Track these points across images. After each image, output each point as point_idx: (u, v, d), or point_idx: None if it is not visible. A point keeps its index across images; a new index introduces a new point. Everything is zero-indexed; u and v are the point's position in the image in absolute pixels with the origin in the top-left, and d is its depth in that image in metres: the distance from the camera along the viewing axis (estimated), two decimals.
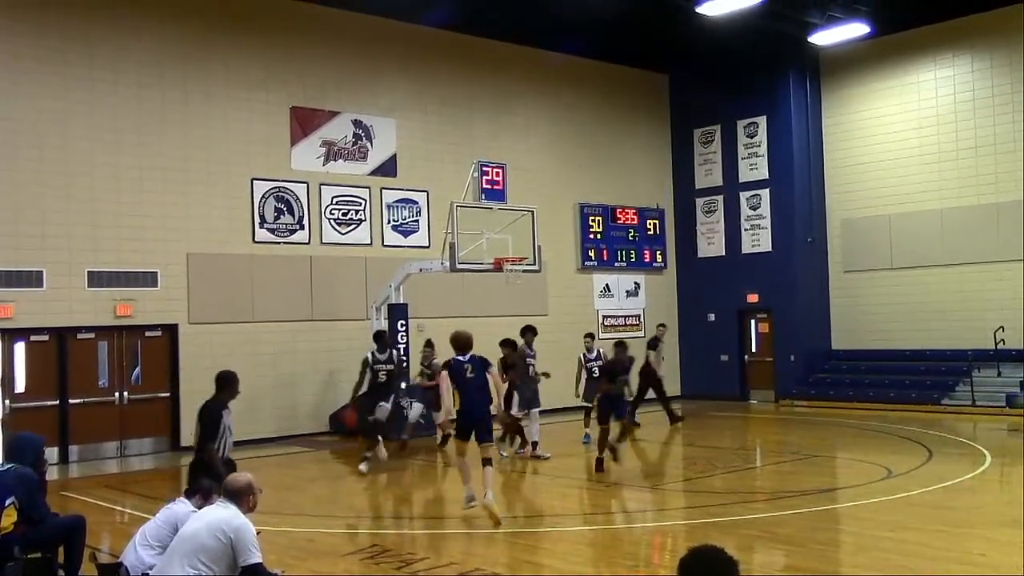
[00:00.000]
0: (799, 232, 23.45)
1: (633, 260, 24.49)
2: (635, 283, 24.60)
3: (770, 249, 23.75)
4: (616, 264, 24.12)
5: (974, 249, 21.13)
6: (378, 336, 15.09)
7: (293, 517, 10.54)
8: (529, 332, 15.61)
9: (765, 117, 23.81)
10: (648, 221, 24.85)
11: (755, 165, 24.11)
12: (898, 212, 22.34)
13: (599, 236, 23.74)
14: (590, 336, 17.77)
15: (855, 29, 20.49)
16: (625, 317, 24.23)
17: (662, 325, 20.47)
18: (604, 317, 23.74)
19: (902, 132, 22.40)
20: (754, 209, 24.10)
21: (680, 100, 25.27)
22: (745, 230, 24.26)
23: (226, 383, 9.05)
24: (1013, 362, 20.14)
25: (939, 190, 21.75)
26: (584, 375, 16.62)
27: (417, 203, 20.46)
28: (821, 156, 23.82)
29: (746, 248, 24.23)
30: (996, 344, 20.17)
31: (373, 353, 14.52)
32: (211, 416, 8.81)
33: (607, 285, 24.00)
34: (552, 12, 18.57)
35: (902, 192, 22.32)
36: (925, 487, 11.26)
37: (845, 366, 22.74)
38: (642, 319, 24.57)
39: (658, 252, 25.05)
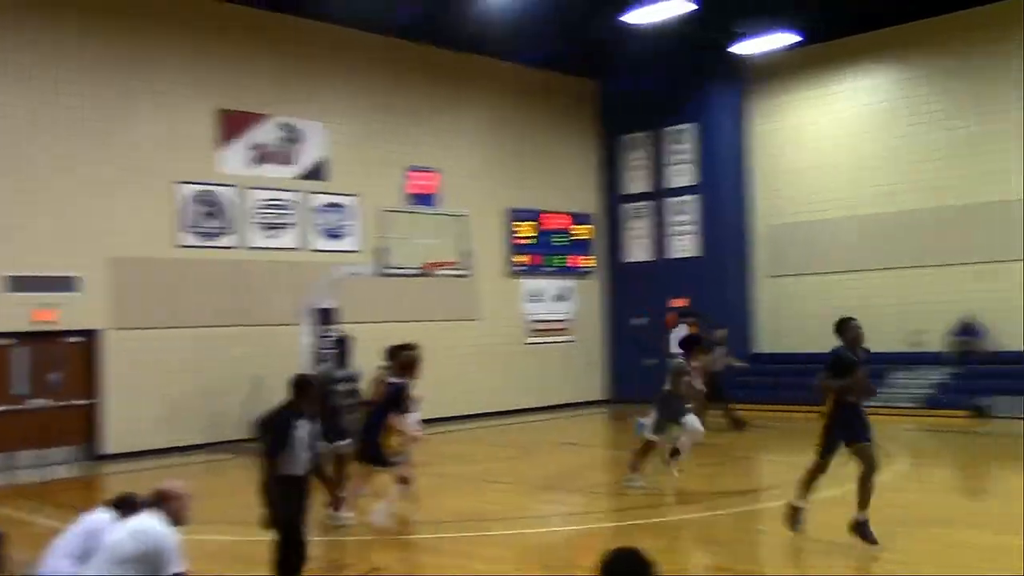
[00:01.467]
0: (726, 238, 23.85)
1: (562, 265, 24.64)
2: (564, 288, 24.76)
3: (697, 254, 24.11)
4: (545, 269, 24.25)
5: (894, 254, 21.70)
6: (338, 344, 12.28)
7: (220, 524, 10.39)
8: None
9: (693, 124, 24.17)
10: (577, 226, 25.03)
11: (683, 172, 24.46)
12: (822, 218, 22.84)
13: (529, 241, 23.85)
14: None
15: (781, 39, 20.93)
16: (555, 322, 24.37)
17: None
18: (534, 322, 23.85)
19: (826, 140, 22.91)
20: (681, 215, 24.45)
21: (610, 107, 25.51)
22: (673, 236, 24.60)
23: (300, 390, 7.65)
24: (930, 364, 20.74)
25: (861, 197, 22.29)
26: None
27: (347, 207, 20.33)
28: (748, 163, 24.25)
29: (674, 253, 24.56)
30: (911, 347, 20.76)
31: (328, 367, 11.93)
32: (278, 426, 7.47)
33: (536, 290, 24.11)
34: (484, 18, 18.61)
35: (826, 199, 22.83)
36: (847, 486, 11.52)
37: (770, 369, 23.14)
38: (571, 324, 24.73)
39: (587, 257, 25.24)
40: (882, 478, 12.42)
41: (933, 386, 20.37)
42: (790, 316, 23.30)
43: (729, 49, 21.90)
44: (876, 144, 22.15)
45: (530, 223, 23.90)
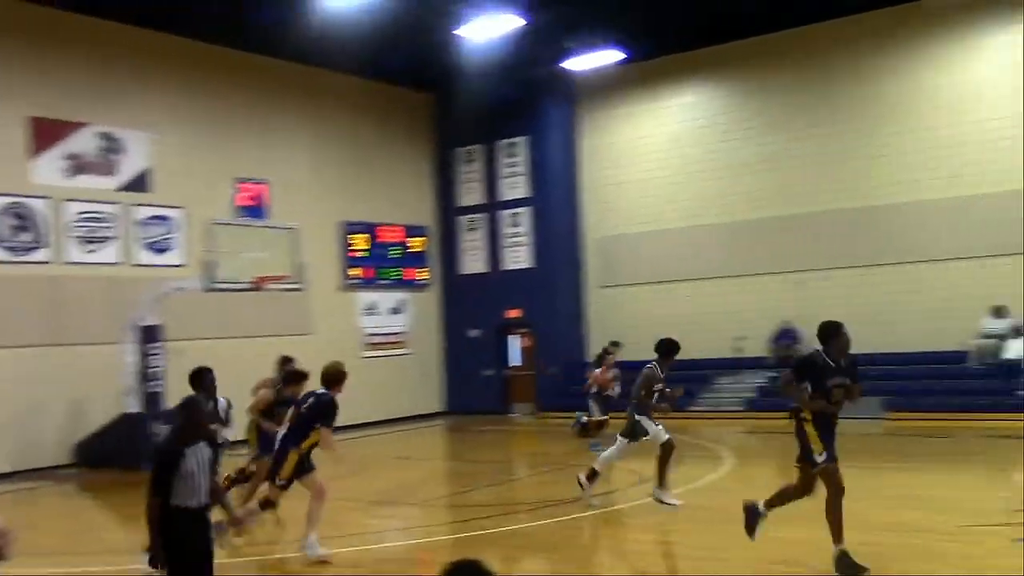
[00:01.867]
0: (559, 249, 24.30)
1: (398, 278, 24.52)
2: (400, 301, 24.63)
3: (531, 266, 24.47)
4: (380, 282, 24.07)
5: (717, 264, 22.62)
6: (196, 378, 10.01)
7: (33, 557, 9.78)
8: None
9: (526, 138, 24.55)
10: (412, 239, 24.96)
11: (516, 184, 24.80)
12: (649, 230, 23.56)
13: (363, 254, 23.61)
14: (615, 344, 17.56)
15: (608, 56, 21.52)
16: (390, 335, 24.20)
17: (615, 343, 19.05)
18: (369, 335, 23.61)
19: (653, 154, 23.68)
20: (515, 227, 24.76)
21: (445, 119, 25.57)
22: (506, 247, 24.88)
23: (189, 411, 6.70)
24: (751, 369, 21.70)
25: (686, 209, 23.15)
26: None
27: (173, 220, 19.59)
28: (579, 176, 24.79)
29: (508, 265, 24.84)
30: (734, 353, 21.69)
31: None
32: (164, 452, 6.71)
33: (372, 303, 23.89)
34: (317, 29, 18.31)
35: (653, 211, 23.59)
36: (674, 489, 11.88)
37: None
38: (407, 336, 24.61)
39: (422, 270, 25.20)
40: (710, 478, 12.92)
41: (754, 390, 21.31)
42: (621, 325, 23.88)
43: (560, 65, 22.36)
44: (698, 158, 23.06)
45: (364, 236, 23.67)
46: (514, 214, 24.78)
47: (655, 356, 11.15)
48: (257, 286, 16.88)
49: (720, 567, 8.16)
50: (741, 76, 22.72)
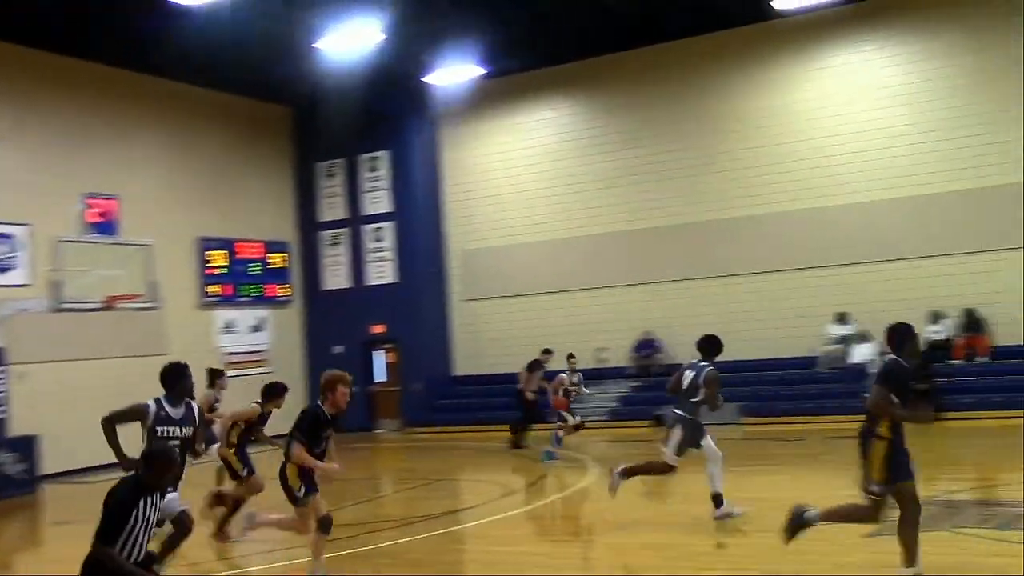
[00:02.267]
0: (422, 264, 24.23)
1: (258, 295, 23.96)
2: (260, 318, 24.07)
3: (394, 281, 24.31)
4: (240, 299, 23.47)
5: (580, 276, 22.97)
6: (171, 375, 7.94)
7: None
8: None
9: (388, 152, 24.41)
10: (272, 255, 24.44)
11: (378, 199, 24.62)
12: (513, 243, 23.75)
13: (222, 270, 22.99)
14: (572, 357, 17.45)
15: (469, 71, 21.63)
16: (251, 353, 23.60)
17: (547, 351, 19.06)
18: (228, 354, 22.96)
19: (514, 168, 23.90)
20: (378, 242, 24.57)
21: (305, 133, 25.18)
22: (370, 262, 24.66)
23: (152, 463, 6.28)
24: (615, 379, 22.12)
25: (549, 222, 23.44)
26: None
27: (15, 238, 18.62)
28: (442, 190, 24.80)
29: (371, 280, 24.62)
30: (597, 363, 22.05)
31: (160, 402, 7.78)
32: (118, 502, 6.10)
33: (231, 321, 23.26)
34: (174, 41, 17.72)
35: (517, 224, 23.79)
36: (541, 500, 11.97)
37: (468, 391, 23.69)
38: (268, 355, 24.05)
39: (283, 286, 24.70)
40: (576, 488, 13.06)
41: (617, 399, 21.71)
42: (486, 339, 24.00)
43: (421, 79, 22.36)
44: (560, 172, 23.43)
45: (223, 252, 23.05)
46: (377, 229, 24.59)
47: (700, 356, 10.05)
48: (108, 305, 16.21)
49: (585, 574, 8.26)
50: (598, 93, 23.23)
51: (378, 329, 24.29)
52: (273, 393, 10.94)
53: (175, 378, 7.85)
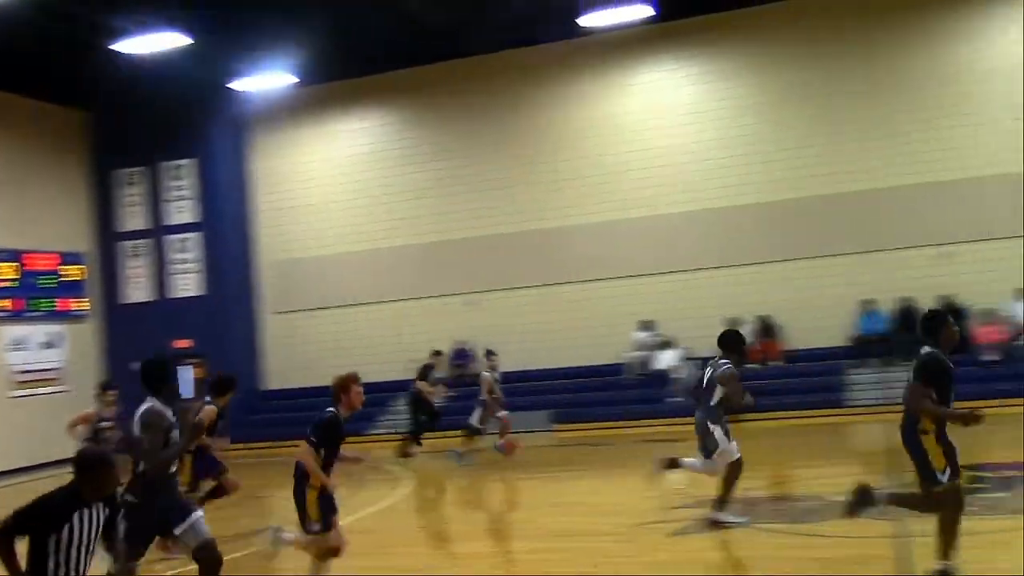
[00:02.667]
0: (230, 275, 23.50)
1: (51, 309, 22.59)
2: (54, 334, 22.69)
3: (201, 293, 23.46)
4: (30, 314, 22.05)
5: (394, 287, 22.82)
6: (155, 371, 7.87)
7: None
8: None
9: (193, 160, 23.56)
10: (67, 267, 23.11)
11: (183, 208, 23.71)
12: (327, 254, 23.38)
13: (10, 284, 21.55)
14: (492, 355, 16.98)
15: (279, 78, 21.17)
16: (44, 371, 22.22)
17: (438, 352, 19.36)
18: (18, 373, 21.53)
19: (328, 178, 23.55)
20: (183, 253, 23.66)
21: (103, 139, 23.93)
22: (174, 274, 23.70)
23: (87, 469, 5.09)
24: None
25: (362, 232, 23.19)
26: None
27: None
28: (251, 199, 24.13)
29: (176, 292, 23.67)
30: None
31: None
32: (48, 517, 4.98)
33: (21, 337, 21.83)
34: None
35: (330, 235, 23.43)
36: (353, 515, 11.82)
37: (279, 405, 23.12)
38: (63, 372, 22.71)
39: (80, 299, 23.39)
40: (388, 502, 12.96)
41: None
42: (298, 352, 23.50)
43: (229, 86, 21.71)
44: (372, 182, 23.27)
45: (10, 264, 21.61)
46: (182, 239, 23.67)
47: (721, 353, 9.50)
48: None
49: None
50: (412, 104, 23.26)
51: (183, 343, 23.35)
52: (226, 386, 10.53)
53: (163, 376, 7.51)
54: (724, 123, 21.08)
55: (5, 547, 4.81)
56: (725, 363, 9.39)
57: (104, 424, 11.80)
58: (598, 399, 20.86)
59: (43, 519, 4.85)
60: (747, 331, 20.20)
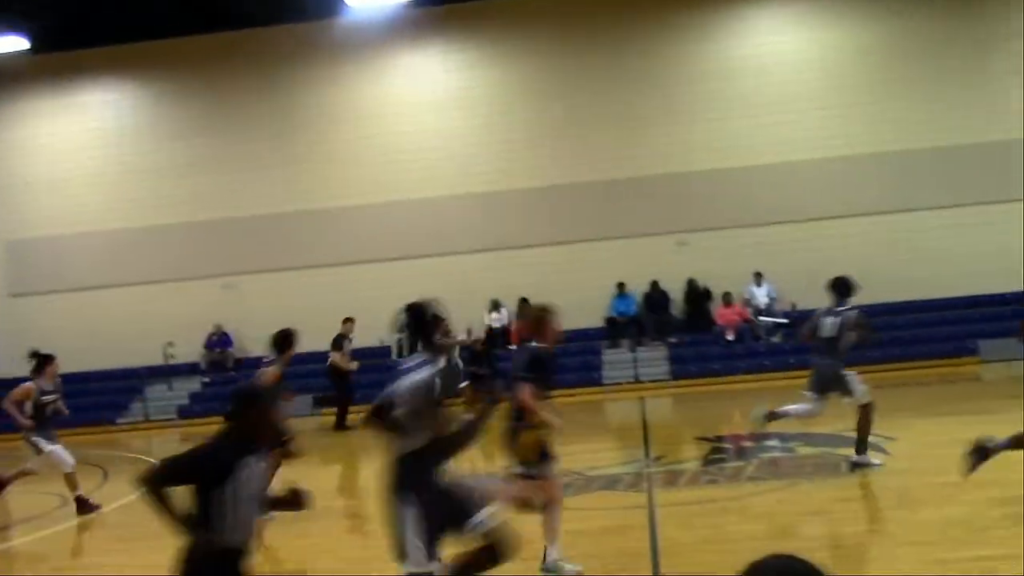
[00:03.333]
0: None
1: None
2: None
3: None
4: None
5: (146, 269, 21.65)
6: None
7: None
8: None
9: None
10: None
11: None
12: (73, 232, 21.86)
13: None
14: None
15: (11, 43, 19.54)
16: None
17: (349, 319, 18.32)
18: None
19: (72, 152, 22.02)
20: None
21: None
22: None
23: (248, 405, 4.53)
24: (183, 375, 21.23)
25: (113, 211, 21.85)
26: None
27: None
28: None
29: None
30: (166, 360, 21.05)
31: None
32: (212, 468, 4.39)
33: None
34: None
35: (76, 213, 21.92)
36: (105, 507, 11.20)
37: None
38: None
39: None
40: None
41: (188, 396, 20.88)
42: (37, 337, 21.83)
43: None
44: (123, 158, 22.03)
45: None
46: None
47: (835, 300, 9.70)
48: None
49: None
50: (166, 77, 22.08)
51: None
52: (289, 342, 10.01)
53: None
54: (491, 109, 21.40)
55: (158, 496, 4.32)
56: (848, 309, 9.67)
57: (47, 397, 10.60)
58: (361, 381, 20.72)
59: (203, 472, 4.32)
60: (506, 314, 20.82)
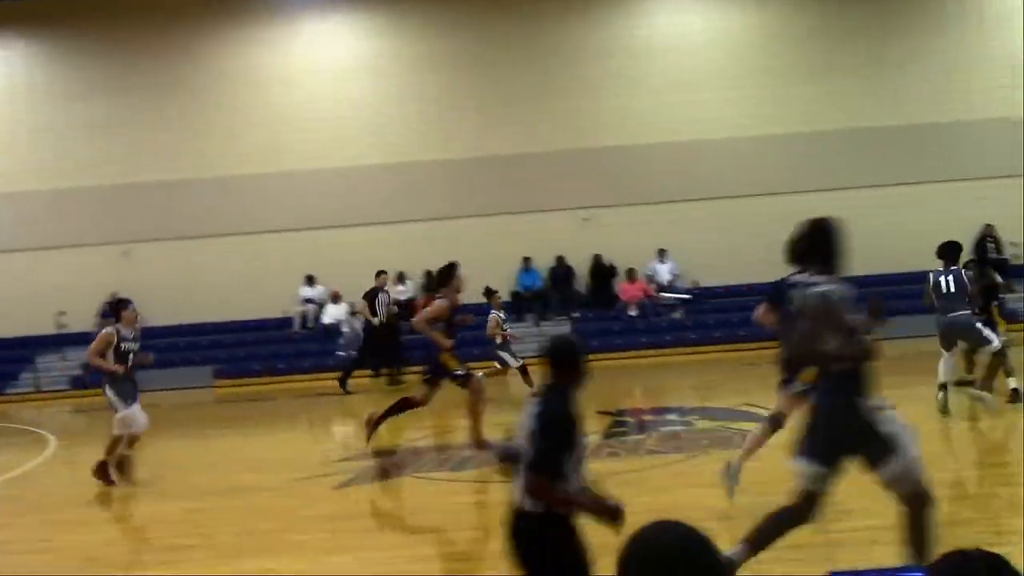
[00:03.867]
0: None
1: None
2: None
3: None
4: None
5: (36, 235, 20.93)
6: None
7: None
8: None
9: None
10: None
11: None
12: None
13: None
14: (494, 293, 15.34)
15: None
16: None
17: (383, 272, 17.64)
18: None
19: None
20: None
21: None
22: None
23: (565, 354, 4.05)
24: (76, 344, 20.53)
25: (6, 173, 21.03)
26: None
27: None
28: None
29: None
30: (58, 328, 20.38)
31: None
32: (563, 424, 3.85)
33: None
34: None
35: None
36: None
37: None
38: None
39: None
40: (33, 464, 11.95)
41: (80, 366, 20.24)
42: None
43: None
44: (14, 118, 21.23)
45: None
46: None
47: (945, 263, 10.26)
48: None
49: (48, 558, 7.59)
50: (61, 35, 21.34)
51: None
52: (452, 273, 9.92)
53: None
54: (401, 80, 21.17)
55: (555, 495, 3.78)
56: (957, 268, 10.32)
57: (127, 345, 9.81)
58: (262, 353, 20.42)
59: (568, 442, 3.84)
60: (411, 287, 20.71)
